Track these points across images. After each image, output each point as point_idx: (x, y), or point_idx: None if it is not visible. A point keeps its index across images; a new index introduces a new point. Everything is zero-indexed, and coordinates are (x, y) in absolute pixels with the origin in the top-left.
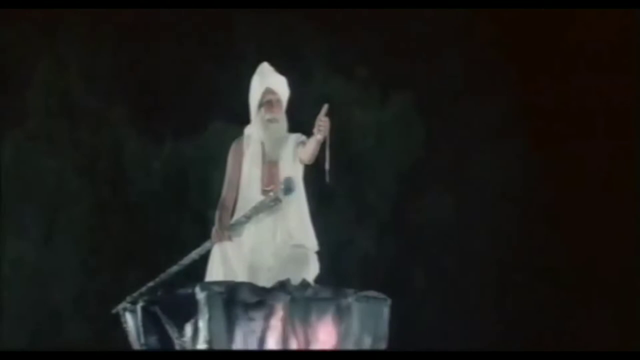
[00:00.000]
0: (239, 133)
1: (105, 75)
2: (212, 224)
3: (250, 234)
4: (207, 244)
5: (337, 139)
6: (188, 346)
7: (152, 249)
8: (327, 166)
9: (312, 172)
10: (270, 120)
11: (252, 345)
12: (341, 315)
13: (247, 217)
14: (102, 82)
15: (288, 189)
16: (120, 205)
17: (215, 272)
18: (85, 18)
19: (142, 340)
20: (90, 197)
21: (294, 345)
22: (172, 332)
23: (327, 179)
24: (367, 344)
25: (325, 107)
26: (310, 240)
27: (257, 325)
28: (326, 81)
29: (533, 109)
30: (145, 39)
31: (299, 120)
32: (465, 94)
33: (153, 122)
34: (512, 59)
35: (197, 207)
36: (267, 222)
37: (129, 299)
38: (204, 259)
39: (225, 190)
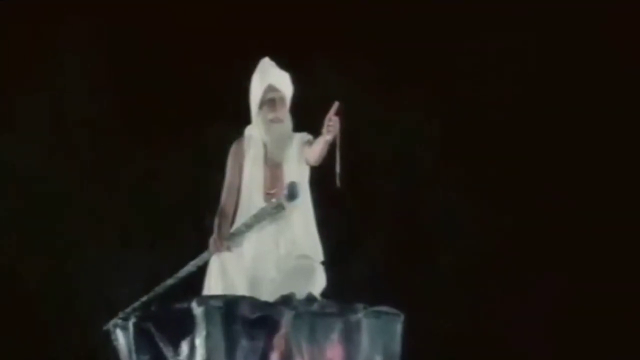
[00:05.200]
0: (239, 134)
1: (99, 74)
2: (210, 232)
3: (251, 244)
4: (204, 255)
5: (346, 140)
6: None
7: (146, 260)
8: (337, 169)
9: (318, 175)
10: (272, 120)
11: None
12: (350, 332)
13: (248, 226)
14: (96, 82)
15: (292, 194)
16: (114, 210)
17: (213, 285)
18: (75, 14)
19: (134, 359)
20: (83, 201)
21: None
22: (167, 351)
23: (338, 182)
24: None
25: (335, 105)
26: (316, 250)
27: (259, 343)
28: (333, 78)
29: (549, 106)
30: (139, 35)
31: (305, 119)
32: (480, 92)
33: (148, 123)
34: (528, 54)
35: (194, 215)
36: (269, 231)
37: (120, 314)
38: (202, 271)
39: (225, 196)
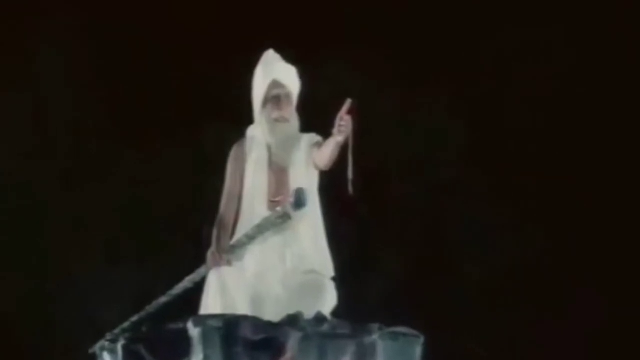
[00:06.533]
0: (240, 135)
1: (82, 70)
2: (208, 245)
3: (254, 258)
4: (202, 270)
5: (359, 142)
6: None
7: (136, 276)
8: (349, 175)
9: (328, 181)
10: (277, 120)
11: None
12: (364, 355)
13: (250, 237)
14: (80, 77)
15: (299, 202)
16: (100, 221)
17: (211, 303)
18: (56, 4)
19: None
20: (65, 211)
21: None
22: None
23: (350, 189)
24: None
25: (347, 103)
26: (326, 265)
27: None
28: (345, 72)
29: (585, 105)
30: (127, 25)
31: (313, 118)
32: (508, 91)
33: (137, 123)
34: (562, 50)
35: (190, 224)
36: (274, 243)
37: (108, 336)
38: (199, 287)
39: (224, 204)
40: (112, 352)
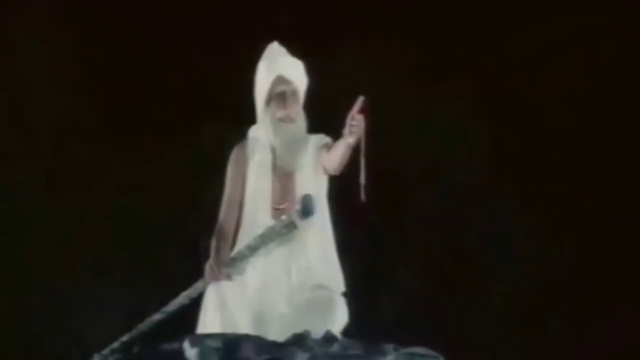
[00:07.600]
0: (242, 136)
1: (68, 64)
2: (206, 257)
3: (256, 271)
4: (199, 285)
5: (373, 144)
6: None
7: (127, 291)
8: (362, 180)
9: (339, 187)
10: (282, 119)
11: None
12: None
13: (252, 249)
14: (64, 73)
15: (306, 210)
16: (87, 231)
17: (210, 321)
18: None
19: None
20: (49, 220)
21: None
22: None
23: (362, 196)
24: None
25: (359, 101)
26: (336, 279)
27: None
28: (357, 67)
29: (624, 104)
30: (118, 16)
31: (322, 117)
32: (538, 86)
33: (129, 124)
34: (599, 41)
35: (187, 234)
36: (278, 255)
37: (96, 357)
38: (196, 304)
39: (224, 212)
40: None
